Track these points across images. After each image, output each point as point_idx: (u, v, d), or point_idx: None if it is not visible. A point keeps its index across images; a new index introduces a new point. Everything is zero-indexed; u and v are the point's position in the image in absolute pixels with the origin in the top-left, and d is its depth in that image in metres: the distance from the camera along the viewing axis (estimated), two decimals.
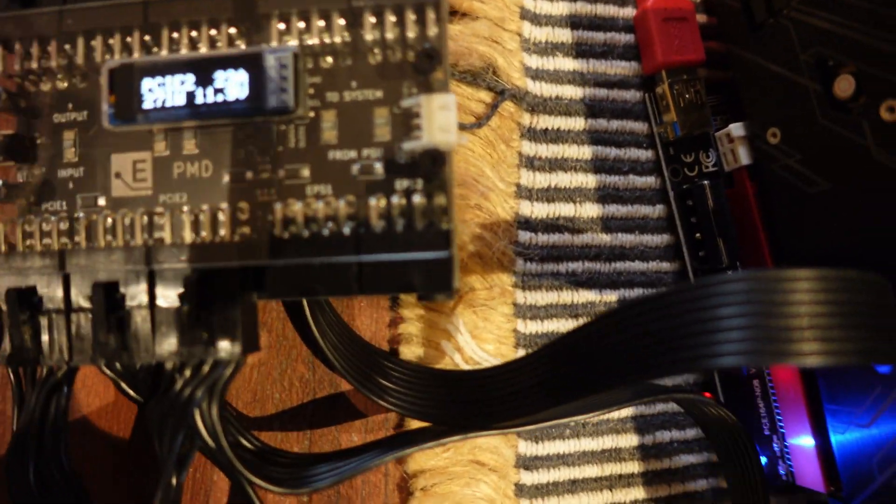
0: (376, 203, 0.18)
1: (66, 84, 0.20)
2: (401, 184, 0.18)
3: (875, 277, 0.17)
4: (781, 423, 0.27)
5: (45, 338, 0.19)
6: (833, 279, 0.16)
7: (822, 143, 0.23)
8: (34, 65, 0.19)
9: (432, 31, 0.18)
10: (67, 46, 0.19)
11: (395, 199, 0.18)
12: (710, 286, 0.16)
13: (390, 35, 0.18)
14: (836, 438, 0.24)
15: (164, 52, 0.19)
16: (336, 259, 0.18)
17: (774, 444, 0.27)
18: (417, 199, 0.18)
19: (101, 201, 0.19)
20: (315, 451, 0.25)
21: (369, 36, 0.18)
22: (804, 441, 0.26)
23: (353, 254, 0.18)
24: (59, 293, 0.19)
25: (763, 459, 0.28)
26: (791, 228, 0.25)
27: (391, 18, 0.18)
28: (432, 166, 0.18)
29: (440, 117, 0.18)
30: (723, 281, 0.16)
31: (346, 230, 0.18)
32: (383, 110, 0.19)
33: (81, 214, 0.19)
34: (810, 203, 0.24)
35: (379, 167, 0.18)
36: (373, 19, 0.18)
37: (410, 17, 0.18)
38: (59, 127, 0.20)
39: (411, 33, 0.18)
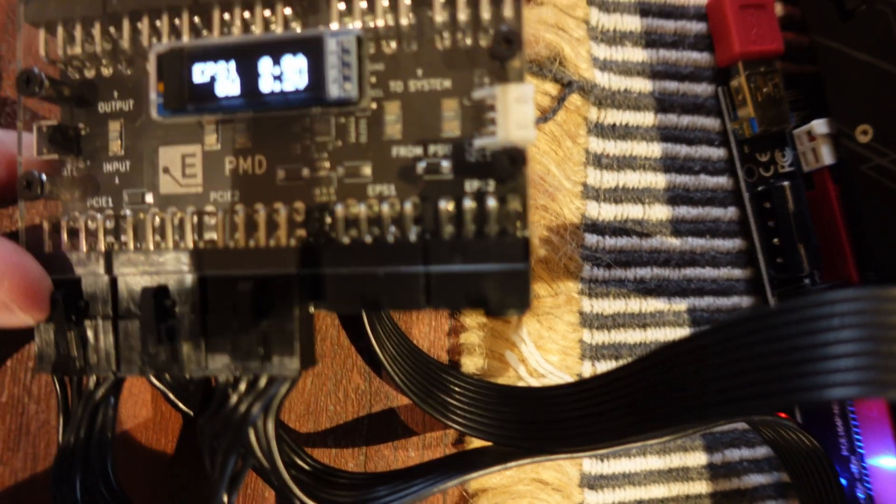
0: (445, 207, 0.16)
1: (111, 70, 0.18)
2: (471, 185, 0.16)
3: None
4: (861, 443, 0.25)
5: (91, 345, 0.18)
6: None
7: None
8: (77, 50, 0.18)
9: (508, 11, 0.16)
10: (112, 29, 0.18)
11: (466, 203, 0.16)
12: (820, 305, 0.14)
13: (462, 16, 0.16)
14: None
15: (216, 35, 0.17)
16: (402, 269, 0.16)
17: (853, 466, 0.25)
18: (491, 203, 0.16)
19: (149, 198, 0.18)
20: (370, 466, 0.24)
21: (438, 17, 0.16)
22: (885, 462, 0.24)
23: (421, 264, 0.16)
24: (107, 297, 0.17)
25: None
26: (882, 235, 0.23)
27: None
28: (510, 167, 0.15)
29: (517, 111, 0.15)
30: (834, 300, 0.14)
31: (413, 237, 0.16)
32: (452, 102, 0.17)
33: (128, 212, 0.18)
34: None
35: (447, 166, 0.16)
36: None
37: None
38: (103, 117, 0.18)
39: (486, 14, 0.16)
